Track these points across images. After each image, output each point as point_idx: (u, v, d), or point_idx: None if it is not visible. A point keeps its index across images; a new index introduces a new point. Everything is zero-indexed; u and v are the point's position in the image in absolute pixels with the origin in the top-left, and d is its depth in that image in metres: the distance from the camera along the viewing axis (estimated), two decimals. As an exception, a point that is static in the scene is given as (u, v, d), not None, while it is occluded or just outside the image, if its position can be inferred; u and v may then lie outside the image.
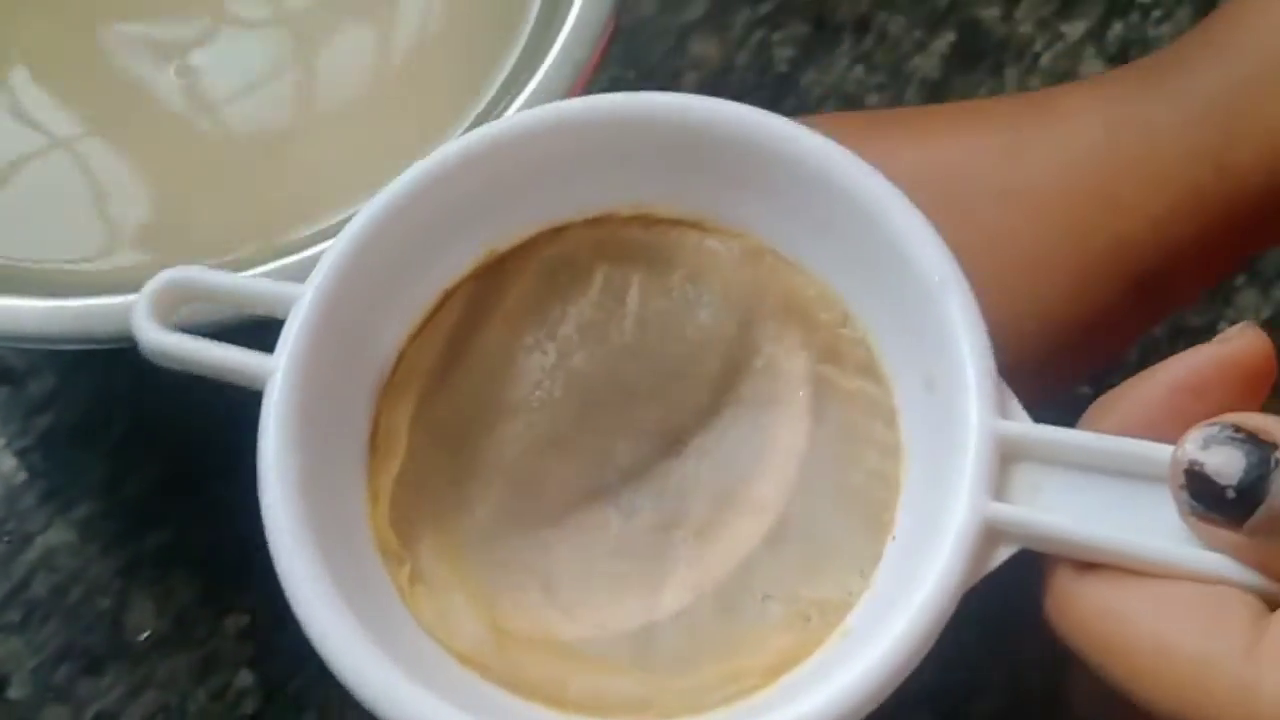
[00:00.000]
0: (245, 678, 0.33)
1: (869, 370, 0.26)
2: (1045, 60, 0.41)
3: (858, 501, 0.26)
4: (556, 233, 0.27)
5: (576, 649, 0.25)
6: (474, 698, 0.23)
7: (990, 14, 0.42)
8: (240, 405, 0.36)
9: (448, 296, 0.27)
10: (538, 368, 0.27)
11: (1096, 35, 0.41)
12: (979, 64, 0.41)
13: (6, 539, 0.35)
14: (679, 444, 0.27)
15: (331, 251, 0.25)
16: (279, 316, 0.24)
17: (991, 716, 0.34)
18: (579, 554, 0.26)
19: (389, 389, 0.26)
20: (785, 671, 0.24)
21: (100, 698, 0.33)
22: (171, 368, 0.25)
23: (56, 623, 0.34)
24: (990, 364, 0.23)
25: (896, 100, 0.40)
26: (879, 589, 0.24)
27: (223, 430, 0.35)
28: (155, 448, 0.35)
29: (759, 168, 0.26)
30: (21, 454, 0.36)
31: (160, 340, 0.24)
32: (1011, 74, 0.41)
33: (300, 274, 0.25)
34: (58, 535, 0.35)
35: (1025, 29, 0.42)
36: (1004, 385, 0.23)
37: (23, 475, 0.35)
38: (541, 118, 0.26)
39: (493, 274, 0.27)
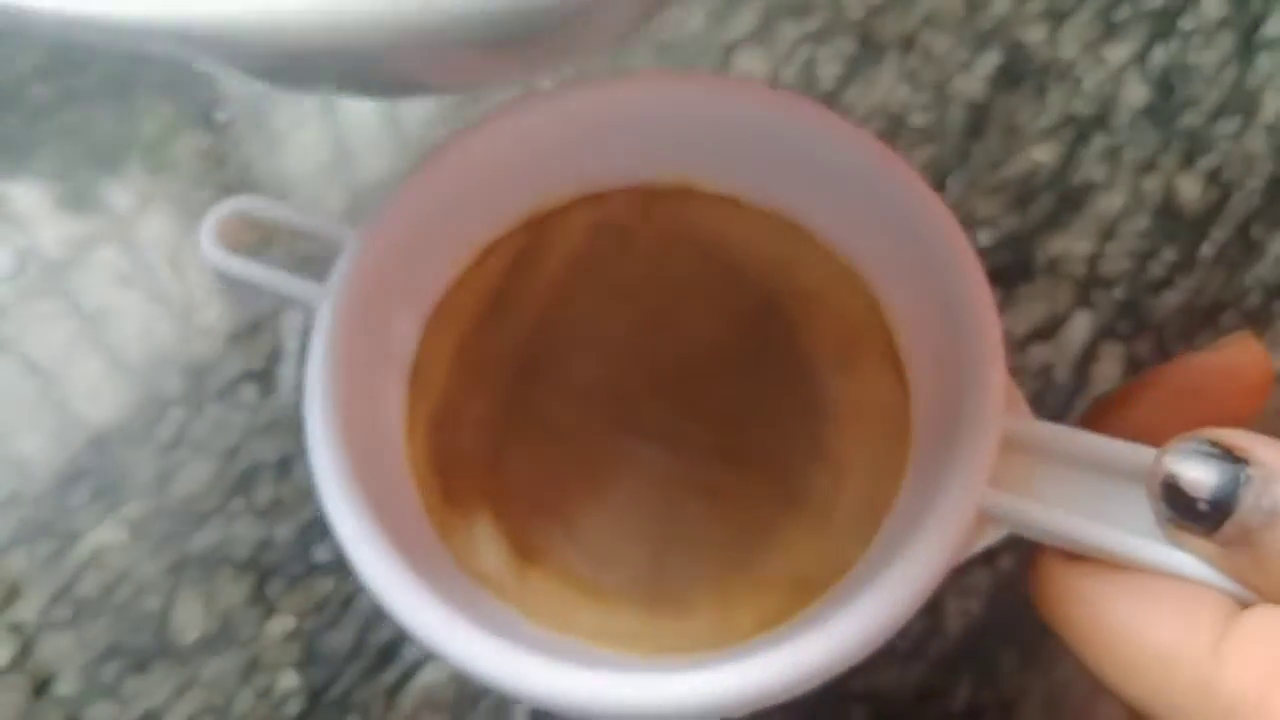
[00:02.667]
0: (290, 679, 0.33)
1: (887, 355, 0.27)
2: (1088, 84, 0.41)
3: (864, 476, 0.27)
4: (600, 198, 0.29)
5: (588, 584, 0.26)
6: (486, 613, 0.25)
7: (1035, 37, 0.42)
8: (290, 408, 0.36)
9: (494, 247, 0.28)
10: (573, 322, 0.28)
11: (1139, 60, 0.42)
12: (1022, 85, 0.41)
13: (56, 537, 0.35)
14: (704, 407, 0.28)
15: (387, 196, 0.26)
16: (333, 251, 0.26)
17: (1026, 735, 0.34)
18: (601, 501, 0.28)
19: (432, 327, 0.28)
20: (776, 624, 0.25)
21: (147, 696, 0.33)
22: (233, 288, 0.27)
23: (105, 621, 0.34)
24: (1001, 362, 0.24)
25: (940, 120, 0.41)
26: (873, 557, 0.25)
27: (273, 432, 0.36)
28: (205, 448, 0.36)
29: (801, 153, 0.27)
30: (72, 452, 0.36)
31: (225, 262, 0.26)
32: (1055, 97, 0.41)
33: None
34: (107, 534, 0.35)
35: (1069, 53, 0.42)
36: (1011, 381, 0.24)
37: (73, 473, 0.36)
38: (590, 90, 0.28)
39: (538, 232, 0.29)
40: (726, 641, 0.25)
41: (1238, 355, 0.24)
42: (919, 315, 0.27)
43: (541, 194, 0.28)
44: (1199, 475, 0.21)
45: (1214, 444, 0.21)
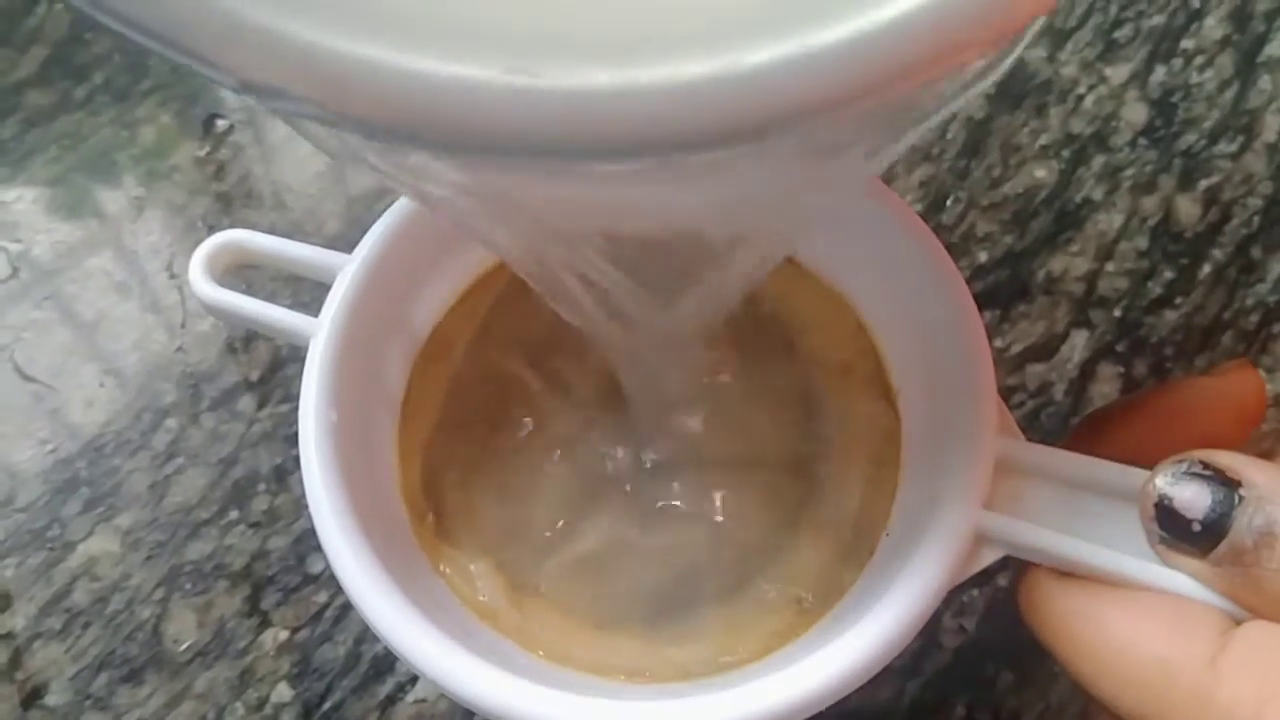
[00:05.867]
0: (283, 692, 0.33)
1: (876, 379, 0.28)
2: (1088, 103, 0.41)
3: (856, 499, 0.27)
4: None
5: (586, 615, 0.26)
6: (481, 643, 0.24)
7: (1035, 54, 0.42)
8: (284, 420, 0.36)
9: (485, 281, 0.28)
10: (564, 354, 0.28)
11: (1140, 80, 0.42)
12: (1022, 103, 0.41)
13: (49, 546, 0.35)
14: (702, 437, 0.29)
15: (379, 226, 0.26)
16: (325, 281, 0.26)
17: (1021, 755, 0.34)
18: (599, 531, 0.28)
19: (424, 357, 0.28)
20: (775, 649, 0.25)
21: (138, 707, 0.33)
22: (224, 322, 0.26)
23: (97, 631, 0.34)
24: (992, 384, 0.24)
25: (940, 137, 0.41)
26: (870, 580, 0.25)
27: (269, 443, 0.36)
28: (200, 458, 0.36)
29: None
30: (66, 461, 0.36)
31: (214, 296, 0.26)
32: (1055, 115, 0.41)
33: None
34: (100, 544, 0.35)
35: (1069, 71, 0.42)
36: (1002, 403, 0.24)
37: (66, 482, 0.36)
38: None
39: None
40: (727, 668, 0.25)
41: (1234, 380, 0.24)
42: (909, 341, 0.27)
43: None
44: (1192, 497, 0.21)
45: (1206, 465, 0.21)
